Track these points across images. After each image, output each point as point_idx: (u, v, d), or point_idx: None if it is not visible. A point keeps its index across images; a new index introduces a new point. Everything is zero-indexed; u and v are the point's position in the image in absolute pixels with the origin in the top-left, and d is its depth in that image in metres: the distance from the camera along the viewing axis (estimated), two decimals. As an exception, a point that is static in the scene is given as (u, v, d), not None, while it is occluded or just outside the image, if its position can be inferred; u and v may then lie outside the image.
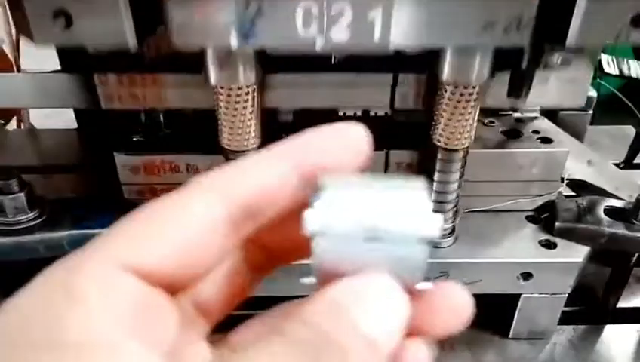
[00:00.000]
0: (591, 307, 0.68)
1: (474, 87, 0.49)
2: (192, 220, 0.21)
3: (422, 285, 0.22)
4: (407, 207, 0.21)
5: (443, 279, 0.58)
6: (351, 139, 0.23)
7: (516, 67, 0.49)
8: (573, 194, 0.67)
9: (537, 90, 0.51)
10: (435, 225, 0.20)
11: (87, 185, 0.71)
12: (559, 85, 0.53)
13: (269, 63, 0.50)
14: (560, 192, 0.63)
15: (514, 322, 0.63)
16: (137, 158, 0.60)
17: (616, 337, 0.65)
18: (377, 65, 0.53)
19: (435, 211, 0.21)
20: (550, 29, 0.38)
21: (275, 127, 0.63)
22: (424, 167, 0.59)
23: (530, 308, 0.61)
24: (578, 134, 0.77)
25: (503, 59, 0.48)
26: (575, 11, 0.37)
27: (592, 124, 0.87)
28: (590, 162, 0.73)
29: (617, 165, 0.81)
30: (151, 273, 0.20)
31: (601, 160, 0.74)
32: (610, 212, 0.60)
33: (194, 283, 0.22)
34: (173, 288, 0.21)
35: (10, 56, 1.26)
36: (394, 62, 0.53)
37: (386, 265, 0.21)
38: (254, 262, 0.26)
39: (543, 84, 0.52)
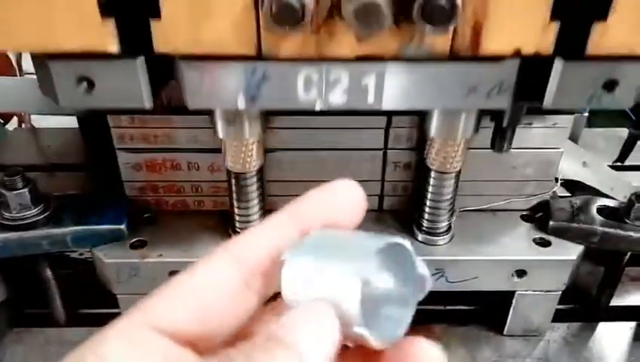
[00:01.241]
0: (585, 305, 0.69)
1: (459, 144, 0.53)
2: (211, 287, 0.24)
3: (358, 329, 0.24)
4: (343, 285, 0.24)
5: (438, 277, 0.59)
6: (349, 200, 0.27)
7: (498, 123, 0.52)
8: (568, 194, 0.68)
9: (521, 134, 0.56)
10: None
11: (90, 183, 0.72)
12: (542, 130, 0.59)
13: (272, 111, 0.55)
14: (554, 192, 0.65)
15: (508, 319, 0.64)
16: (139, 156, 0.61)
17: (609, 335, 0.66)
18: (371, 112, 0.57)
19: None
20: (529, 90, 0.42)
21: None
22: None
23: (525, 306, 0.62)
24: (573, 136, 0.78)
25: (487, 112, 0.52)
26: (552, 75, 0.40)
27: (587, 126, 0.88)
28: (585, 163, 0.74)
29: (612, 166, 0.83)
30: (179, 335, 0.23)
31: (596, 161, 0.75)
32: (604, 211, 0.61)
33: (220, 341, 0.24)
34: (200, 347, 0.23)
35: (13, 60, 1.27)
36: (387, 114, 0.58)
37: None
38: None
39: (526, 130, 0.58)
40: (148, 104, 0.40)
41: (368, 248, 0.24)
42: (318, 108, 0.41)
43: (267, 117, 0.52)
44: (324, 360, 0.23)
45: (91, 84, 0.39)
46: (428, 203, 0.59)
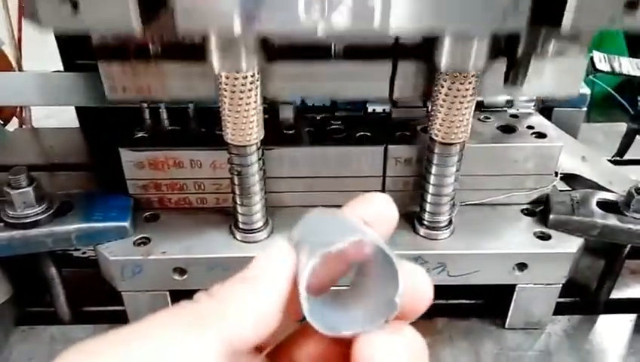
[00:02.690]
0: (585, 298, 0.70)
1: (470, 83, 0.50)
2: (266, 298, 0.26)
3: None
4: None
5: (440, 271, 0.60)
6: (383, 211, 0.29)
7: (512, 55, 0.50)
8: (568, 188, 0.69)
9: (533, 80, 0.53)
10: None
11: (92, 182, 0.73)
12: (554, 75, 0.54)
13: (270, 52, 0.52)
14: (554, 186, 0.65)
15: (510, 312, 0.64)
16: (142, 154, 0.61)
17: (609, 327, 0.67)
18: (376, 55, 0.54)
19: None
20: (546, 13, 0.39)
21: (276, 125, 0.65)
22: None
23: (526, 299, 0.63)
24: (572, 131, 0.79)
25: (499, 48, 0.49)
26: None
27: (586, 121, 0.89)
28: (584, 158, 0.75)
29: (611, 161, 0.83)
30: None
31: (595, 155, 0.76)
32: (603, 204, 0.62)
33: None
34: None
35: (12, 58, 1.27)
36: (392, 52, 0.54)
37: None
38: None
39: (538, 74, 0.53)
40: (137, 26, 0.38)
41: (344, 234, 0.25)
42: (320, 32, 0.38)
43: (265, 50, 0.49)
44: (276, 293, 0.26)
45: (75, 5, 0.37)
46: (430, 189, 0.59)
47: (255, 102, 0.51)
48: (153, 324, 0.24)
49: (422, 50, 0.53)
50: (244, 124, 0.52)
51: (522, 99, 0.69)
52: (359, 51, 0.54)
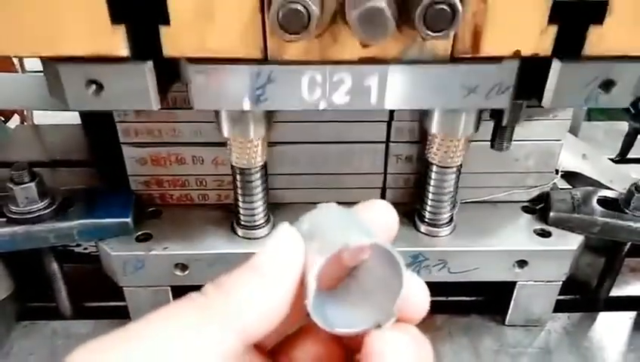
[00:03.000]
0: (585, 295, 0.70)
1: (459, 140, 0.54)
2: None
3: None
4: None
5: (441, 268, 0.60)
6: (384, 219, 0.29)
7: (498, 122, 0.53)
8: (568, 186, 0.69)
9: (522, 128, 0.57)
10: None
11: (94, 178, 0.73)
12: (543, 122, 0.59)
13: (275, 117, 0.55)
14: (555, 184, 0.65)
15: (510, 309, 0.64)
16: (144, 150, 0.61)
17: (609, 324, 0.67)
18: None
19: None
20: (528, 90, 0.43)
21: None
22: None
23: (526, 296, 0.63)
24: (573, 129, 0.79)
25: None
26: (550, 76, 0.41)
27: (587, 119, 0.89)
28: (585, 156, 0.75)
29: (612, 159, 0.83)
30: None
31: (595, 153, 0.76)
32: (604, 202, 0.62)
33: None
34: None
35: (15, 59, 1.27)
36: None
37: None
38: None
39: (527, 123, 0.58)
40: (155, 106, 0.41)
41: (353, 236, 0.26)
42: (321, 108, 0.43)
43: (271, 116, 0.53)
44: (285, 286, 0.25)
45: (100, 87, 0.40)
46: (430, 196, 0.60)
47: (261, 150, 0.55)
48: (157, 320, 0.24)
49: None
50: (250, 149, 0.55)
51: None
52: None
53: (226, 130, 0.52)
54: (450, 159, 0.56)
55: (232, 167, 0.58)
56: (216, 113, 0.51)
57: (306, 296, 0.25)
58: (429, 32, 0.35)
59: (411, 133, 0.61)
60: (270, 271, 0.26)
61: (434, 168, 0.58)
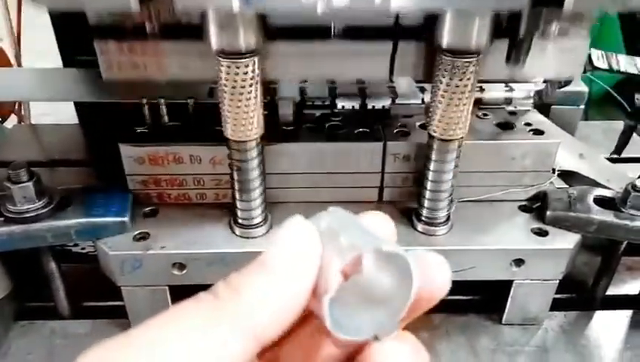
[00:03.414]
0: (581, 294, 0.70)
1: (468, 79, 0.51)
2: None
3: None
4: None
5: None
6: (385, 230, 0.28)
7: (514, 35, 0.49)
8: (565, 185, 0.69)
9: (535, 60, 0.52)
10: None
11: (91, 178, 0.73)
12: (556, 55, 0.54)
13: (270, 32, 0.51)
14: (552, 182, 0.66)
15: (507, 308, 0.65)
16: (142, 149, 0.61)
17: (606, 323, 0.67)
18: (376, 34, 0.53)
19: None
20: None
21: (275, 121, 0.65)
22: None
23: (523, 295, 0.63)
24: (570, 129, 0.79)
25: (501, 28, 0.49)
26: None
27: (583, 119, 0.89)
28: (582, 155, 0.75)
29: (609, 159, 0.84)
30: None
31: (592, 153, 0.76)
32: (600, 201, 0.62)
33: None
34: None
35: (11, 54, 1.27)
36: (393, 31, 0.54)
37: None
38: None
39: (540, 55, 0.53)
40: (134, 6, 0.37)
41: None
42: (319, 10, 0.38)
43: (264, 29, 0.49)
44: (300, 287, 0.24)
45: None
46: (428, 185, 0.59)
47: (255, 97, 0.52)
48: (160, 322, 0.23)
49: (423, 30, 0.53)
50: (245, 120, 0.53)
51: (520, 96, 0.70)
52: (359, 31, 0.53)
53: (214, 40, 0.48)
54: (453, 131, 0.54)
55: (228, 143, 0.55)
56: (204, 19, 0.47)
57: (320, 296, 0.24)
58: None
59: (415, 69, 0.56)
60: (285, 268, 0.24)
61: (435, 145, 0.56)
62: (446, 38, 0.49)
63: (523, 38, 0.49)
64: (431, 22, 0.50)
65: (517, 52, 0.50)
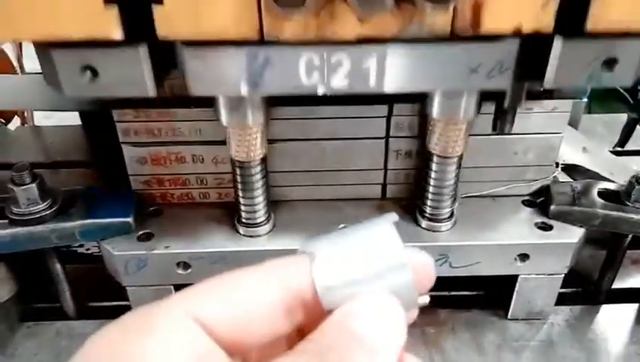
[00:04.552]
0: (587, 288, 0.70)
1: (462, 124, 0.53)
2: (254, 296, 0.25)
3: (421, 299, 0.26)
4: (379, 246, 0.26)
5: (442, 263, 0.60)
6: None
7: (499, 105, 0.52)
8: (569, 179, 0.69)
9: (521, 120, 0.56)
10: (403, 253, 0.25)
11: (94, 179, 0.73)
12: (542, 115, 0.59)
13: (273, 102, 0.55)
14: (555, 177, 0.65)
15: (512, 303, 0.64)
16: (144, 149, 0.62)
17: (611, 317, 0.67)
18: (373, 98, 0.59)
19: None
20: (530, 70, 0.42)
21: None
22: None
23: (528, 289, 0.63)
24: (573, 122, 0.79)
25: (488, 94, 0.51)
26: (552, 54, 0.40)
27: (586, 112, 0.89)
28: (585, 149, 0.75)
29: (612, 152, 0.83)
30: (214, 330, 0.23)
31: (595, 146, 0.76)
32: (604, 194, 0.62)
33: (247, 349, 0.25)
34: (230, 349, 0.24)
35: (14, 59, 1.27)
36: (389, 96, 0.56)
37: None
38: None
39: (526, 116, 0.58)
40: (152, 92, 0.41)
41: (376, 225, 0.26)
42: (320, 92, 0.42)
43: (270, 105, 0.53)
44: (395, 358, 0.23)
45: (95, 73, 0.39)
46: (430, 189, 0.60)
47: (260, 140, 0.55)
48: None
49: (416, 99, 0.58)
50: (248, 148, 0.55)
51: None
52: (356, 98, 0.57)
53: (224, 119, 0.51)
54: (452, 149, 0.56)
55: (232, 161, 0.57)
56: (214, 102, 0.51)
57: None
58: (428, 3, 0.34)
59: (411, 128, 0.61)
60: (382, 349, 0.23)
61: (434, 159, 0.58)
62: (435, 113, 0.52)
63: (507, 110, 0.52)
64: (423, 95, 0.53)
65: (502, 123, 0.53)
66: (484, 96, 0.52)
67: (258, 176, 0.58)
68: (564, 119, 0.61)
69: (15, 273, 0.65)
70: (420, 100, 0.57)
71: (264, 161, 0.58)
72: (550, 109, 0.59)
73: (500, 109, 0.52)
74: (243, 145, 0.55)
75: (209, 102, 0.52)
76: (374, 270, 0.25)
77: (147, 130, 0.60)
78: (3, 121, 1.10)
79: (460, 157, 0.58)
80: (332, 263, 0.25)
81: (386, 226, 0.26)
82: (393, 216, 0.27)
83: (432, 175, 0.59)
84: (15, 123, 1.24)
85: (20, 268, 0.65)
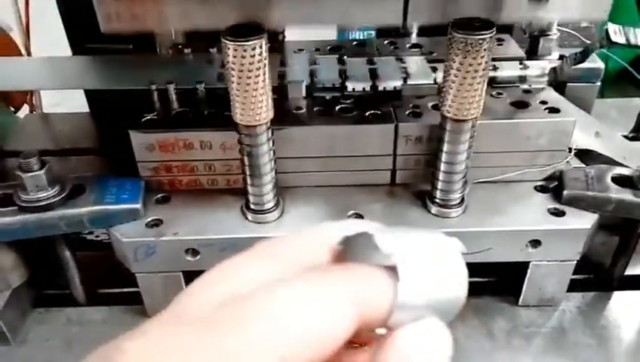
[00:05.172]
0: (599, 275, 0.69)
1: (482, 57, 0.49)
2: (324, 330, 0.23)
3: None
4: (451, 274, 0.26)
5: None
6: None
7: None
8: (581, 164, 0.68)
9: (559, 1, 0.49)
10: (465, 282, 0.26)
11: (102, 166, 0.73)
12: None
13: None
14: (568, 162, 0.64)
15: (523, 289, 0.64)
16: (152, 136, 0.61)
17: (623, 303, 0.66)
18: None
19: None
20: None
21: (285, 105, 0.65)
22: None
23: (540, 276, 0.62)
24: (586, 107, 0.78)
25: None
26: None
27: (599, 97, 0.87)
28: (598, 133, 0.74)
29: (626, 136, 0.82)
30: None
31: (608, 131, 0.75)
32: (618, 180, 0.61)
33: None
34: None
35: (20, 43, 1.27)
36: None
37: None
38: None
39: None
40: None
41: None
42: None
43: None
44: None
45: None
46: (442, 167, 0.58)
47: (264, 81, 0.51)
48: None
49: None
50: (253, 104, 0.52)
51: (534, 73, 0.68)
52: None
53: None
54: (467, 111, 0.53)
55: (239, 132, 0.55)
56: None
57: None
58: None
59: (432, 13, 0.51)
60: None
61: (448, 125, 0.55)
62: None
63: None
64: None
65: None
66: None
67: (265, 148, 0.56)
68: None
69: (25, 260, 0.65)
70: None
71: (271, 139, 0.56)
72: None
73: None
74: (248, 107, 0.52)
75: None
76: (444, 297, 0.25)
77: (130, 14, 0.50)
78: (12, 108, 1.11)
79: (474, 125, 0.55)
80: (414, 285, 0.24)
81: (457, 256, 0.26)
82: (461, 246, 0.26)
83: (445, 147, 0.57)
84: (24, 111, 1.25)
85: (30, 255, 0.66)
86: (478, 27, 0.49)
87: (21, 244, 0.63)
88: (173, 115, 0.64)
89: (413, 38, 0.83)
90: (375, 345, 0.24)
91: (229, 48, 0.49)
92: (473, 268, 0.70)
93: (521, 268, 0.63)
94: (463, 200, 0.61)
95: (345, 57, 0.72)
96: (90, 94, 0.85)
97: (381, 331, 0.24)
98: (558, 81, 0.71)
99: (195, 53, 0.74)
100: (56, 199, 0.58)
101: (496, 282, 0.68)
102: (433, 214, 0.61)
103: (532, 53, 0.78)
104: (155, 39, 0.76)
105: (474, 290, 0.72)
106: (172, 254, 0.59)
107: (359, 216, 0.61)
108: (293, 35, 0.81)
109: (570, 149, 0.64)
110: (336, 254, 0.26)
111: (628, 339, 0.62)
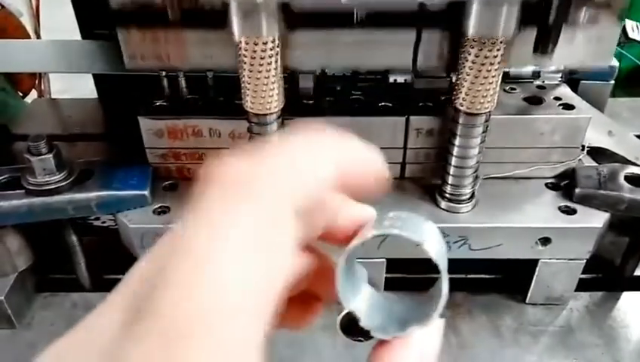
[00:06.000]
0: (608, 274, 0.68)
1: (498, 50, 0.49)
2: None
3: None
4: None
5: (461, 244, 0.59)
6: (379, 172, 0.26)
7: (543, 23, 0.48)
8: (594, 163, 0.67)
9: (563, 48, 0.50)
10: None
11: (111, 152, 0.73)
12: (585, 44, 0.52)
13: (292, 19, 0.50)
14: (580, 160, 0.63)
15: (531, 287, 0.63)
16: (161, 122, 0.61)
17: (632, 304, 0.65)
18: (400, 22, 0.52)
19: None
20: None
21: (296, 95, 0.64)
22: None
23: (548, 274, 0.62)
24: (599, 105, 0.77)
25: (529, 16, 0.48)
26: None
27: (612, 96, 0.86)
28: (611, 132, 0.73)
29: (638, 137, 0.81)
30: None
31: (621, 130, 0.74)
32: (631, 179, 0.60)
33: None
34: None
35: (30, 28, 1.27)
36: (417, 19, 0.52)
37: None
38: None
39: (569, 43, 0.51)
40: None
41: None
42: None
43: (286, 16, 0.49)
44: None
45: None
46: (453, 161, 0.58)
47: (275, 69, 0.50)
48: None
49: (447, 18, 0.51)
50: (264, 92, 0.51)
51: (550, 69, 0.67)
52: (382, 18, 0.52)
53: (236, 29, 0.48)
54: (480, 104, 0.52)
55: (248, 116, 0.55)
56: (227, 13, 0.47)
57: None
58: None
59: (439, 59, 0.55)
60: None
61: (461, 119, 0.55)
62: (472, 27, 0.48)
63: (552, 26, 0.48)
64: (457, 10, 0.49)
65: (545, 41, 0.49)
66: (525, 19, 0.48)
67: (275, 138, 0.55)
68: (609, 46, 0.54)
69: (31, 244, 0.65)
70: (453, 25, 0.51)
71: (281, 123, 0.55)
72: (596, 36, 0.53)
73: (544, 27, 0.48)
74: (259, 95, 0.51)
75: (220, 22, 0.48)
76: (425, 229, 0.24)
77: (155, 54, 0.54)
78: (21, 93, 1.10)
79: (487, 119, 0.55)
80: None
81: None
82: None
83: (457, 141, 0.56)
84: (32, 96, 1.24)
85: (36, 240, 0.66)
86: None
87: (28, 228, 0.62)
88: (183, 101, 0.64)
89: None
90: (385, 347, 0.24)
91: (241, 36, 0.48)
92: (481, 265, 0.70)
93: (529, 265, 0.62)
94: (473, 195, 0.60)
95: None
96: (98, 80, 0.85)
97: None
98: (571, 79, 0.70)
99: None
100: (63, 183, 0.58)
101: (503, 279, 0.68)
102: (443, 209, 0.61)
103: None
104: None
105: (481, 287, 0.72)
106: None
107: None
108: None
109: (583, 147, 0.64)
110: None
111: (635, 339, 0.62)
